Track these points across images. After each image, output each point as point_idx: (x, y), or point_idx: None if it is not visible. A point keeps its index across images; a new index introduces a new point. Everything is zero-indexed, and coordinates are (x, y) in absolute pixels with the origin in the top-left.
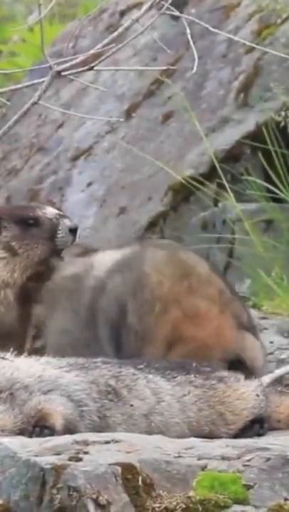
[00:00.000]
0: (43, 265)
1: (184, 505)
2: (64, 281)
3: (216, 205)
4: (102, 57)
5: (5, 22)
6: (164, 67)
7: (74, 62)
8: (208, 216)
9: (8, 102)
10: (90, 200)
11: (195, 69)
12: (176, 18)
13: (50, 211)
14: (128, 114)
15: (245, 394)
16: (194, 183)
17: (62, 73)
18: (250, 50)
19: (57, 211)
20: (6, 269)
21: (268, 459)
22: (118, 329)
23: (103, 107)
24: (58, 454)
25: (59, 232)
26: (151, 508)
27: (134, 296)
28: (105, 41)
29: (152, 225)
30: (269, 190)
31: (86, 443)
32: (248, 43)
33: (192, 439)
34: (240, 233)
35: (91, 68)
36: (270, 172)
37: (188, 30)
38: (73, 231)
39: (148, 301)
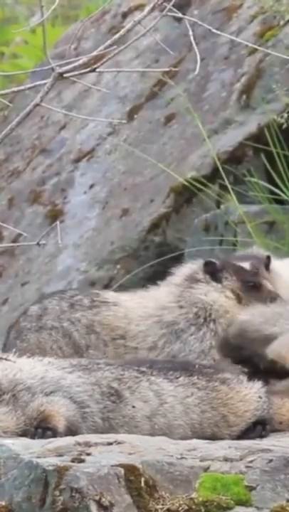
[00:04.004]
0: None
1: (186, 507)
2: None
3: (218, 206)
4: (105, 59)
5: (7, 24)
6: (167, 69)
7: (76, 63)
8: (210, 218)
9: (10, 104)
10: (92, 202)
11: (197, 70)
12: (178, 19)
13: (269, 284)
14: (130, 115)
15: (247, 396)
16: (197, 185)
17: (65, 75)
18: (253, 51)
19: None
20: (233, 306)
21: (270, 461)
22: None
23: (105, 109)
24: (61, 455)
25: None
26: (154, 510)
27: None
28: (108, 43)
29: (154, 227)
30: (271, 192)
31: (88, 444)
32: (250, 45)
33: (195, 440)
34: (243, 235)
35: (93, 70)
36: (273, 173)
37: (190, 32)
38: None
39: None
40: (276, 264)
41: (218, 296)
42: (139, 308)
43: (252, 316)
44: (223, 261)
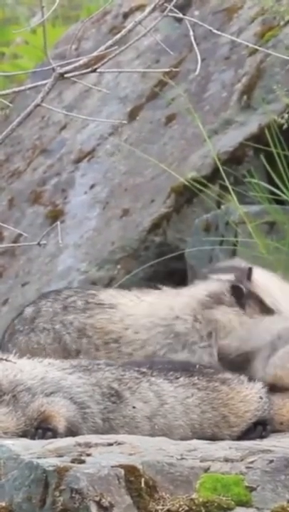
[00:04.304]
0: None
1: (186, 508)
2: None
3: (218, 207)
4: (105, 60)
5: (8, 24)
6: (167, 69)
7: (77, 64)
8: (211, 218)
9: (10, 104)
10: (92, 202)
11: (198, 71)
12: (179, 20)
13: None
14: (131, 116)
15: (248, 396)
16: (197, 185)
17: (65, 75)
18: (253, 52)
19: None
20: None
21: (271, 461)
22: None
23: (106, 109)
24: (61, 456)
25: None
26: (154, 510)
27: None
28: (108, 43)
29: (155, 227)
30: (272, 192)
31: (89, 445)
32: (251, 45)
33: (195, 441)
34: (243, 235)
35: (94, 70)
36: (273, 174)
37: (191, 32)
38: None
39: None
40: (260, 275)
41: (234, 318)
42: (143, 316)
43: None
44: (249, 289)
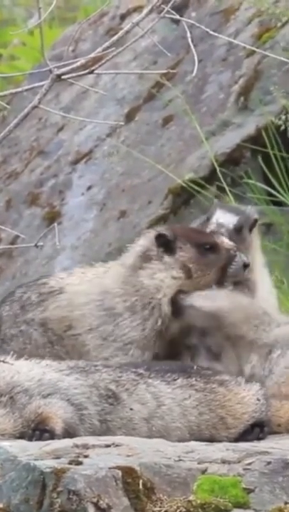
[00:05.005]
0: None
1: (184, 509)
2: None
3: None
4: (103, 61)
5: (5, 25)
6: (164, 71)
7: (74, 65)
8: None
9: (8, 106)
10: (90, 203)
11: (195, 72)
12: (176, 21)
13: (227, 241)
14: (128, 117)
15: (245, 398)
16: (194, 187)
17: (63, 77)
18: (250, 53)
19: (232, 243)
20: (174, 288)
21: (269, 463)
22: None
23: (103, 111)
24: (58, 457)
25: (234, 264)
26: None
27: None
28: (105, 45)
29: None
30: (269, 194)
31: (86, 446)
32: (248, 47)
33: (192, 442)
34: None
35: (91, 72)
36: (270, 175)
37: (188, 34)
38: (246, 267)
39: None
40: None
41: (164, 277)
42: (83, 294)
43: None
44: (176, 229)
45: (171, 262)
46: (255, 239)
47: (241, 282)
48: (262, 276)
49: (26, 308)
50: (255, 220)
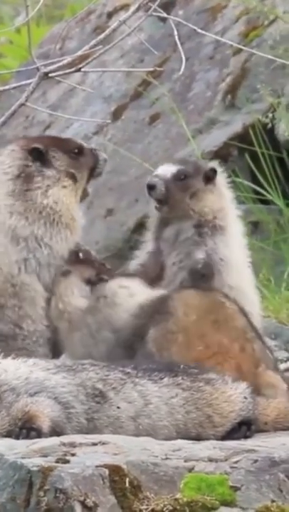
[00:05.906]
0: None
1: (171, 507)
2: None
3: None
4: (90, 59)
5: None
6: (151, 69)
7: (61, 63)
8: None
9: None
10: None
11: (182, 70)
12: (163, 19)
13: (84, 144)
14: (115, 115)
15: (232, 396)
16: None
17: (50, 75)
18: (238, 51)
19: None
20: (72, 196)
21: (255, 461)
22: (136, 355)
23: (90, 109)
24: (45, 456)
25: (100, 161)
26: (139, 510)
27: (156, 325)
28: (92, 43)
29: (140, 227)
30: (256, 192)
31: (73, 445)
32: (235, 45)
33: (179, 440)
34: None
35: (78, 70)
36: (257, 174)
37: (175, 32)
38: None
39: (171, 332)
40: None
41: (57, 191)
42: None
43: None
44: (42, 140)
45: (54, 174)
46: (221, 188)
47: (205, 225)
48: (232, 225)
49: None
50: (212, 170)
